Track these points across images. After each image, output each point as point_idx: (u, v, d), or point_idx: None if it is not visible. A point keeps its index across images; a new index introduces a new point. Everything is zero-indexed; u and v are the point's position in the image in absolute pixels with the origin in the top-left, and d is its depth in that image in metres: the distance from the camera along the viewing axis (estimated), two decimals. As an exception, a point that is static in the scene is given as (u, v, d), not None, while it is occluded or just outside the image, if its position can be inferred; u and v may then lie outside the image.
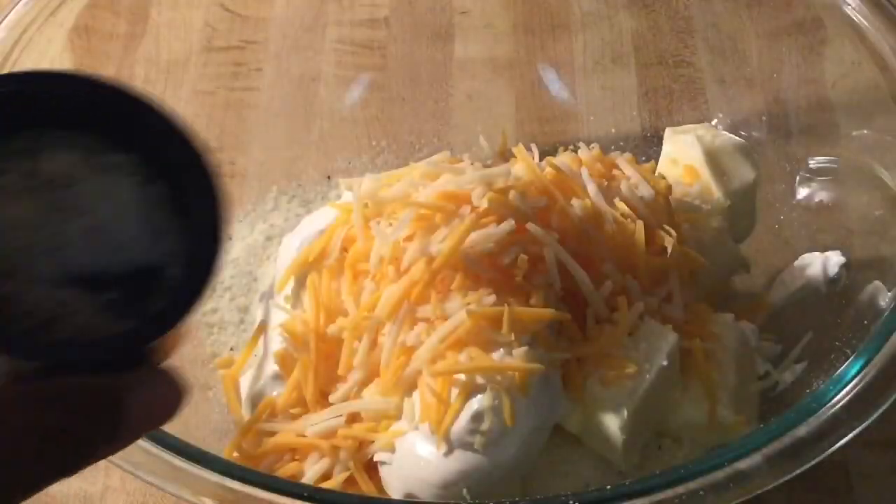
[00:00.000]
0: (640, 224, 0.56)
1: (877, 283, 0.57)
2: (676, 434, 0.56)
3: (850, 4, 0.64)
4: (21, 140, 0.33)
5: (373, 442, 0.53)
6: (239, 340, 0.64)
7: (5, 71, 0.57)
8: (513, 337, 0.52)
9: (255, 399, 0.58)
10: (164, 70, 0.72)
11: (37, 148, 0.33)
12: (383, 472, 0.53)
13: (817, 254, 0.63)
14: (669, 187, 0.60)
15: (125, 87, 0.33)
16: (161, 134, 0.33)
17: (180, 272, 0.33)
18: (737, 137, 0.67)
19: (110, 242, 0.33)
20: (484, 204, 0.54)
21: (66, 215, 0.33)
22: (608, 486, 0.46)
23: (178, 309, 0.32)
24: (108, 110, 0.33)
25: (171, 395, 0.32)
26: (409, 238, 0.55)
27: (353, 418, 0.54)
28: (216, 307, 0.66)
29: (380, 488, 0.54)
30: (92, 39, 0.68)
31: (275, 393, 0.57)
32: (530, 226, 0.53)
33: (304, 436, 0.54)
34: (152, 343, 0.32)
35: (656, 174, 0.65)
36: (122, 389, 0.30)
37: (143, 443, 0.47)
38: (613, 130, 0.76)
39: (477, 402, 0.51)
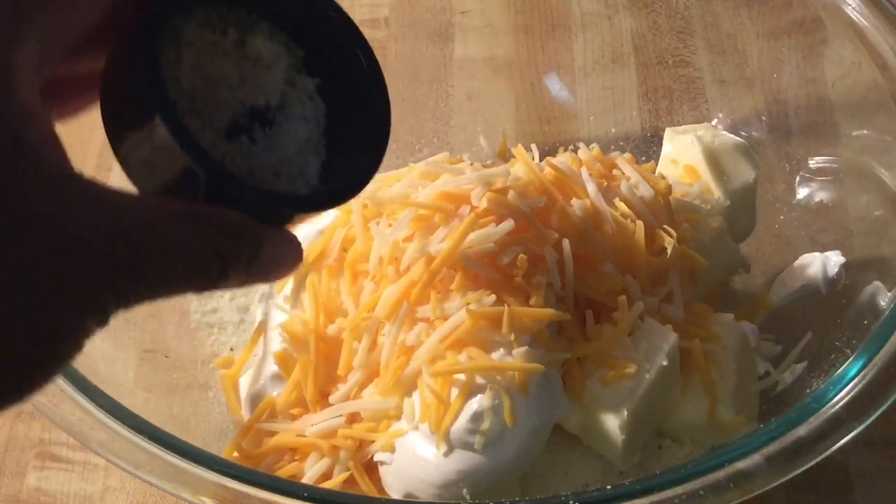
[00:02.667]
0: (640, 224, 0.56)
1: (877, 283, 0.57)
2: (676, 434, 0.56)
3: (850, 4, 0.64)
4: (238, 14, 0.39)
5: (373, 442, 0.53)
6: (239, 340, 0.64)
7: None
8: (512, 337, 0.52)
9: (255, 399, 0.58)
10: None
11: (247, 25, 0.39)
12: (383, 472, 0.53)
13: (817, 254, 0.63)
14: (669, 187, 0.60)
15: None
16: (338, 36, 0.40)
17: (345, 164, 0.40)
18: (737, 137, 0.68)
19: (287, 131, 0.40)
20: (483, 204, 0.54)
21: (257, 91, 0.39)
22: (608, 486, 0.46)
23: (337, 196, 0.39)
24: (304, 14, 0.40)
25: (294, 256, 0.39)
26: (409, 238, 0.55)
27: (353, 418, 0.54)
28: (216, 307, 0.66)
29: (380, 488, 0.54)
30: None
31: (274, 393, 0.57)
32: (537, 225, 0.54)
33: (304, 436, 0.54)
34: (307, 213, 0.39)
35: (656, 174, 0.65)
36: (265, 236, 0.36)
37: (143, 443, 0.47)
38: (613, 130, 0.76)
39: (477, 402, 0.51)
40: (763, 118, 0.72)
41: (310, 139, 0.41)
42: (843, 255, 0.62)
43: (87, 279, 0.31)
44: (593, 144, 0.66)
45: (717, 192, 0.63)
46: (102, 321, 0.32)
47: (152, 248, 0.32)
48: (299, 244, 0.39)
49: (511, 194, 0.55)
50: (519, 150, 0.58)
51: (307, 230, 0.62)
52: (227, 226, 0.35)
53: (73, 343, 0.31)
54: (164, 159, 0.35)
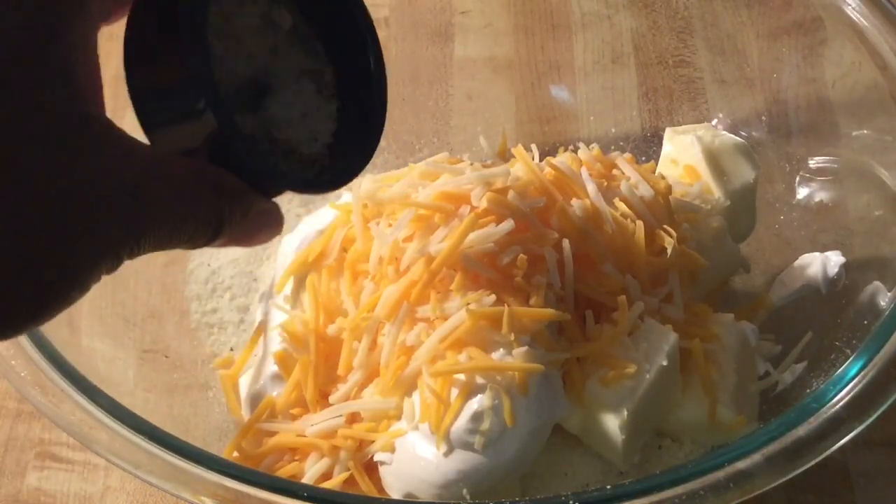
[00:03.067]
0: (640, 224, 0.56)
1: (877, 283, 0.57)
2: (676, 434, 0.56)
3: (850, 4, 0.64)
4: None
5: (373, 442, 0.53)
6: (239, 340, 0.64)
7: None
8: (512, 337, 0.52)
9: (255, 399, 0.58)
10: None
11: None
12: (383, 472, 0.53)
13: (817, 254, 0.63)
14: (669, 187, 0.60)
15: None
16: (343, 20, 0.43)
17: (346, 145, 0.43)
18: (737, 137, 0.67)
19: (302, 104, 0.42)
20: (483, 204, 0.54)
21: (273, 59, 0.42)
22: (608, 486, 0.46)
23: (333, 180, 0.42)
24: None
25: (274, 227, 0.42)
26: (409, 238, 0.55)
27: (353, 418, 0.54)
28: (216, 307, 0.66)
29: (380, 488, 0.54)
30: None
31: (274, 393, 0.57)
32: (537, 225, 0.54)
33: (304, 436, 0.54)
34: (303, 191, 0.42)
35: (656, 174, 0.65)
36: (256, 203, 0.40)
37: (143, 443, 0.47)
38: (613, 130, 0.76)
39: (477, 402, 0.51)
40: (763, 118, 0.72)
41: (309, 114, 0.43)
42: (843, 255, 0.62)
43: (110, 225, 0.33)
44: (593, 144, 0.66)
45: (717, 192, 0.63)
46: (112, 268, 0.35)
47: (166, 202, 0.35)
48: (281, 217, 0.42)
49: (511, 194, 0.55)
50: (519, 150, 0.58)
51: (307, 230, 0.62)
52: (227, 189, 0.38)
53: (85, 285, 0.34)
54: (183, 101, 0.37)
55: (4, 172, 0.31)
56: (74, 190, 0.32)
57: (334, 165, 0.44)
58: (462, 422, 0.51)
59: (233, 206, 0.38)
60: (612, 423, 0.52)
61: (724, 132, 0.68)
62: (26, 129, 0.31)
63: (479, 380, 0.51)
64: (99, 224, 0.33)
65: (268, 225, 0.41)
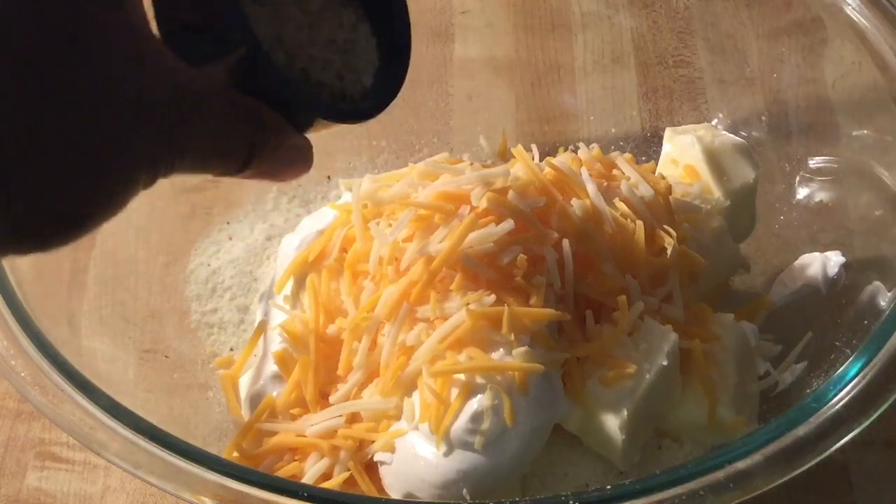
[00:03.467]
0: (640, 224, 0.56)
1: (877, 283, 0.57)
2: (676, 434, 0.56)
3: (850, 4, 0.64)
4: None
5: (373, 442, 0.53)
6: (239, 340, 0.64)
7: None
8: (512, 337, 0.52)
9: (255, 399, 0.58)
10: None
11: None
12: (383, 472, 0.53)
13: (817, 254, 0.63)
14: (669, 187, 0.60)
15: None
16: None
17: (373, 81, 0.45)
18: (737, 137, 0.68)
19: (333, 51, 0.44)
20: (483, 204, 0.54)
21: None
22: (608, 486, 0.46)
23: (365, 111, 0.44)
24: None
25: (305, 162, 0.43)
26: (409, 238, 0.55)
27: (353, 418, 0.54)
28: (216, 307, 0.66)
29: (380, 488, 0.54)
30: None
31: (274, 393, 0.57)
32: (537, 225, 0.53)
33: (304, 436, 0.54)
34: (335, 119, 0.43)
35: (656, 174, 0.65)
36: (288, 135, 0.41)
37: (142, 443, 0.47)
38: (613, 130, 0.76)
39: (477, 402, 0.51)
40: (763, 118, 0.72)
41: (338, 48, 0.44)
42: (843, 255, 0.62)
43: (152, 139, 0.34)
44: (593, 144, 0.66)
45: (717, 192, 0.63)
46: (149, 183, 0.35)
47: (205, 121, 0.36)
48: (311, 155, 0.43)
49: (511, 194, 0.55)
50: (519, 150, 0.58)
51: (307, 230, 0.62)
52: (260, 116, 0.39)
53: (123, 199, 0.35)
54: (216, 32, 0.38)
55: (51, 81, 0.31)
56: (121, 100, 0.33)
57: (366, 98, 0.45)
58: (462, 422, 0.51)
59: (265, 135, 0.39)
60: (612, 423, 0.52)
61: (724, 132, 0.68)
62: (73, 38, 0.32)
63: (479, 380, 0.51)
64: (142, 137, 0.34)
65: (298, 161, 0.43)
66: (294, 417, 0.56)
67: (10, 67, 0.30)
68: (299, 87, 0.42)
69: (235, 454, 0.55)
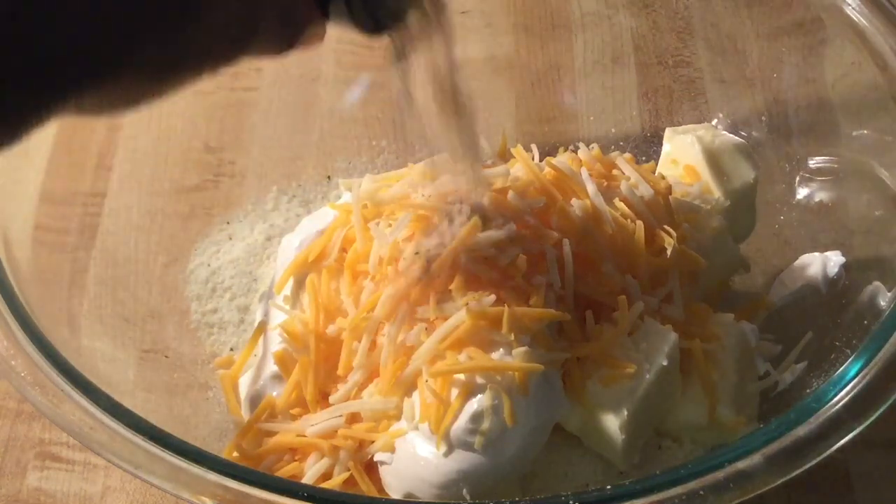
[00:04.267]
0: (640, 224, 0.56)
1: (877, 283, 0.57)
2: (676, 434, 0.56)
3: (850, 4, 0.64)
4: None
5: (373, 442, 0.53)
6: (239, 340, 0.64)
7: None
8: (512, 337, 0.52)
9: (255, 399, 0.58)
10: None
11: None
12: (383, 472, 0.53)
13: (817, 254, 0.63)
14: (669, 187, 0.60)
15: None
16: None
17: None
18: (737, 137, 0.67)
19: None
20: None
21: None
22: (608, 486, 0.46)
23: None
24: None
25: (321, 33, 0.45)
26: (409, 238, 0.55)
27: (353, 418, 0.54)
28: (216, 307, 0.66)
29: (380, 488, 0.54)
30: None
31: (274, 393, 0.57)
32: (537, 225, 0.53)
33: (304, 436, 0.54)
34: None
35: (656, 174, 0.65)
36: (316, 14, 0.43)
37: (143, 443, 0.47)
38: (613, 130, 0.76)
39: (477, 402, 0.51)
40: (763, 118, 0.72)
41: None
42: (843, 255, 0.62)
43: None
44: (593, 144, 0.66)
45: (717, 192, 0.63)
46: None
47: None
48: (325, 28, 0.45)
49: (511, 194, 0.55)
50: (519, 150, 0.58)
51: (307, 230, 0.62)
52: None
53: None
54: None
55: None
56: None
57: None
58: (462, 422, 0.51)
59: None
60: (612, 423, 0.52)
61: (724, 132, 0.68)
62: None
63: (479, 380, 0.51)
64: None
65: (310, 33, 0.44)
66: (294, 417, 0.56)
67: None
68: None
69: (235, 454, 0.55)
